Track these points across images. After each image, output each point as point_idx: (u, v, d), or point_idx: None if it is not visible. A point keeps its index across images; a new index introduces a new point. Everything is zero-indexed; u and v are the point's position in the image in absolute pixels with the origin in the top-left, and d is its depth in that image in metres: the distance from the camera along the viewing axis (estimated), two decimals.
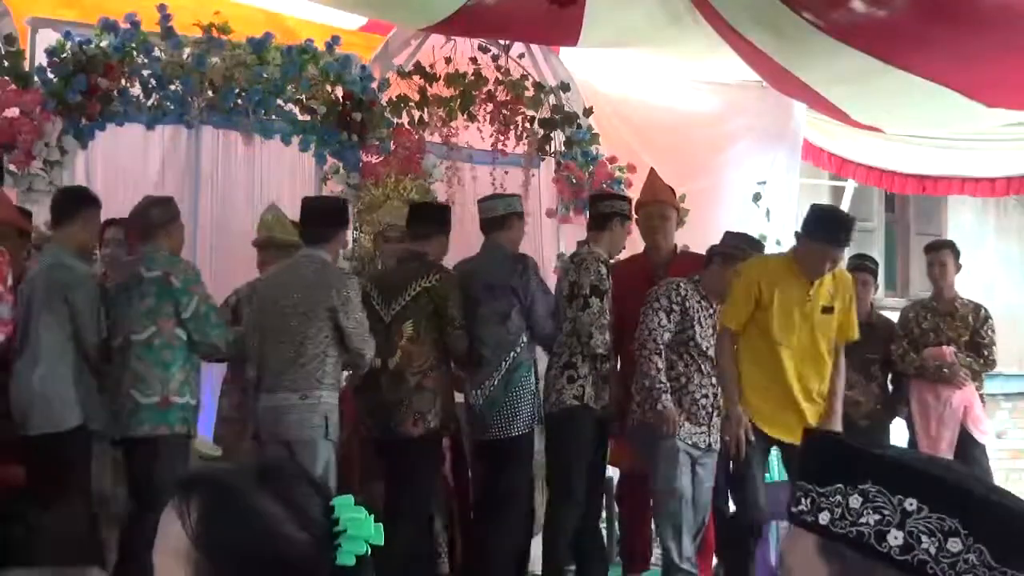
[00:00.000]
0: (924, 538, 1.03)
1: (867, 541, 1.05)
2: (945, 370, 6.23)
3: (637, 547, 5.86)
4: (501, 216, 5.48)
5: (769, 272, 5.17)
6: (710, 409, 5.31)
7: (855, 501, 1.07)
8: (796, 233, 5.26)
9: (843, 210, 5.85)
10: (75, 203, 5.01)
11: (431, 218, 5.44)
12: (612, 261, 5.65)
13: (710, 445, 5.31)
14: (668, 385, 5.21)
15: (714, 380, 5.32)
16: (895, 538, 1.04)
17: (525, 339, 5.33)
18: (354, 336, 4.92)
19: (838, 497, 1.08)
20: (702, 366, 5.33)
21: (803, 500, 1.11)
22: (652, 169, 6.36)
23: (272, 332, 4.97)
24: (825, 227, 5.04)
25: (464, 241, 5.86)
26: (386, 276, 5.46)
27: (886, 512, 1.05)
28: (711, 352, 5.32)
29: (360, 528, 1.23)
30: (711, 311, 5.38)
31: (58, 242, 4.96)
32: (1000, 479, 7.72)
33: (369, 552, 1.23)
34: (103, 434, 4.91)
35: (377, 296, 5.21)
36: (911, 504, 1.04)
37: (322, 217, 5.12)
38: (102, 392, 4.88)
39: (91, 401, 4.81)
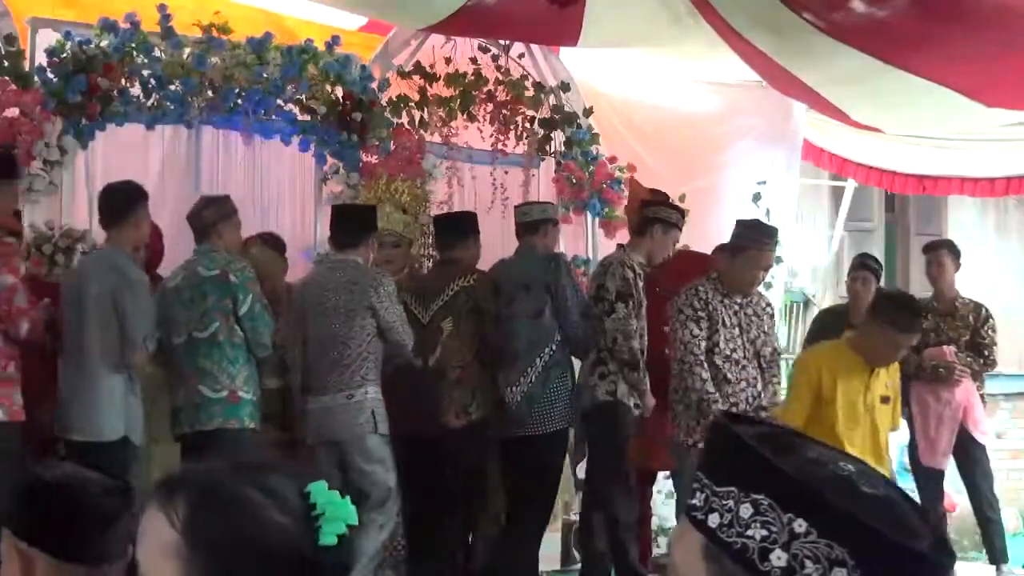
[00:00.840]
0: (808, 563, 0.97)
1: (750, 556, 0.99)
2: (942, 369, 6.23)
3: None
4: (534, 221, 5.68)
5: (829, 360, 4.81)
6: None
7: (745, 510, 1.00)
8: (869, 316, 4.92)
9: (913, 297, 5.55)
10: (126, 201, 4.90)
11: (454, 228, 5.65)
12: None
13: None
14: (718, 394, 5.06)
15: (743, 385, 5.17)
16: (778, 558, 0.98)
17: (559, 337, 5.42)
18: (394, 330, 5.09)
19: (730, 502, 1.01)
20: (727, 374, 5.16)
21: (698, 494, 1.05)
22: (631, 177, 6.46)
23: (315, 336, 5.11)
24: (900, 313, 4.69)
25: None
26: (421, 282, 5.68)
27: (774, 529, 0.99)
28: (737, 355, 5.16)
29: (337, 509, 1.27)
30: (735, 309, 5.25)
31: (112, 243, 4.93)
32: (1000, 479, 7.72)
33: (347, 533, 1.28)
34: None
35: (413, 301, 5.40)
36: (800, 525, 0.98)
37: (351, 223, 5.30)
38: (174, 389, 4.94)
39: (134, 413, 4.79)
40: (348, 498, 1.30)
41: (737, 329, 5.19)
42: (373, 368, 5.09)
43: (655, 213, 5.74)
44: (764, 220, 5.89)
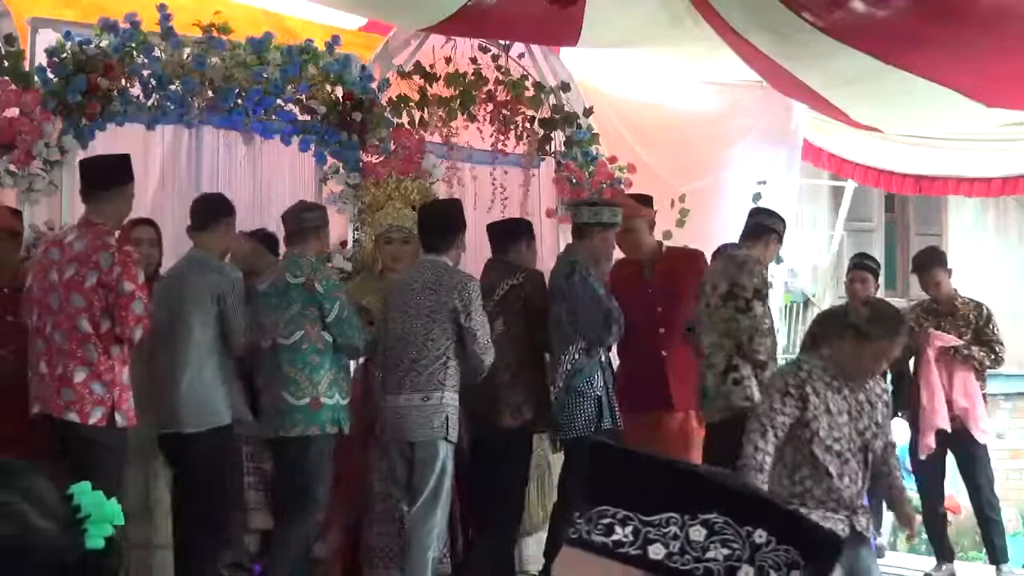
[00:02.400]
0: (772, 572, 0.98)
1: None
2: (952, 351, 6.26)
3: None
4: (582, 224, 5.63)
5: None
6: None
7: (697, 533, 0.99)
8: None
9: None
10: (216, 212, 5.16)
11: (508, 233, 5.73)
12: None
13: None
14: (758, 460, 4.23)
15: (846, 482, 4.25)
16: (746, 574, 0.98)
17: (583, 344, 5.37)
18: (477, 336, 5.07)
19: (673, 528, 0.99)
20: (829, 467, 4.25)
21: (619, 529, 1.01)
22: (613, 190, 6.49)
23: (396, 334, 5.15)
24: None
25: (466, 243, 5.86)
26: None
27: (736, 546, 0.98)
28: (840, 447, 4.25)
29: (103, 511, 1.24)
30: (844, 394, 4.25)
31: (201, 247, 5.08)
32: (1000, 479, 7.72)
33: (115, 534, 1.24)
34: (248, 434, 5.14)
35: None
36: (760, 536, 0.98)
37: (439, 223, 5.32)
38: (253, 393, 5.05)
39: (237, 401, 4.98)
40: (113, 499, 1.26)
41: (845, 416, 4.30)
42: (453, 374, 5.09)
43: (763, 223, 5.72)
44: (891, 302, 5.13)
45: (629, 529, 1.01)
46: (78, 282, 4.58)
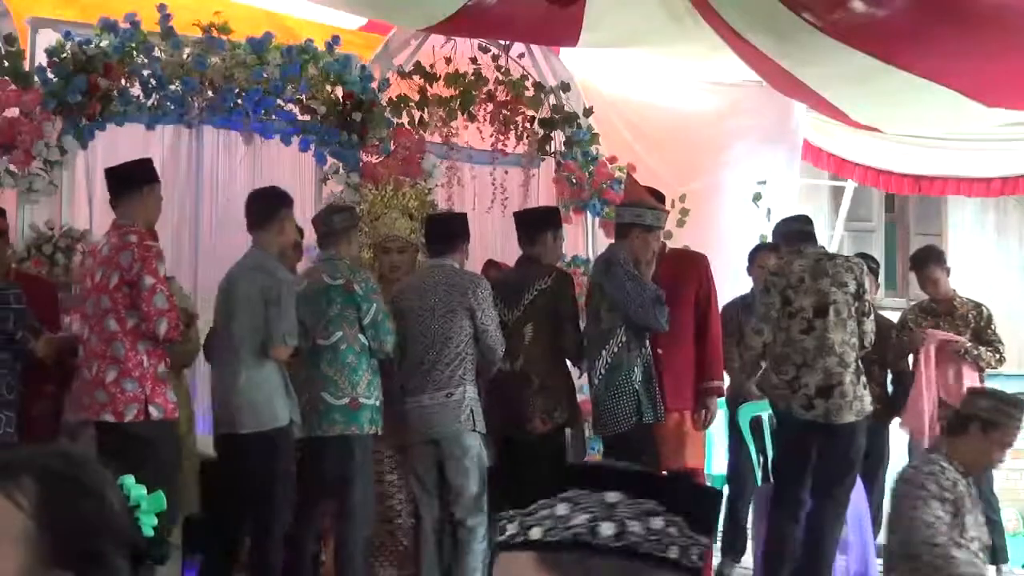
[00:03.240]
0: (630, 523, 1.13)
1: (582, 539, 1.13)
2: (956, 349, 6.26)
3: None
4: (622, 224, 5.58)
5: None
6: None
7: (562, 509, 1.15)
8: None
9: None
10: (270, 207, 5.10)
11: (533, 224, 5.71)
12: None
13: None
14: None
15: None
16: (607, 529, 1.13)
17: (624, 338, 5.33)
18: (489, 333, 5.24)
19: (543, 511, 1.15)
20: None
21: (509, 526, 1.18)
22: (628, 174, 6.42)
23: (415, 336, 5.25)
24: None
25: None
26: (505, 281, 5.71)
27: (593, 509, 1.14)
28: (982, 542, 4.24)
29: (149, 502, 1.31)
30: (972, 490, 4.26)
31: (258, 245, 5.07)
32: (1000, 479, 7.71)
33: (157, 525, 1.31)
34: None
35: (499, 302, 5.46)
36: (613, 496, 1.14)
37: (443, 232, 5.45)
38: (300, 393, 5.06)
39: (291, 402, 4.99)
40: (159, 491, 1.33)
41: (978, 510, 4.32)
42: (471, 368, 5.25)
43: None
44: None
45: (515, 524, 1.18)
46: (104, 284, 4.66)
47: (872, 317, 5.47)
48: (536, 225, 5.72)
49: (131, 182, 4.80)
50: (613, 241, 5.71)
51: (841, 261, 5.57)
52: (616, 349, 5.32)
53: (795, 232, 5.65)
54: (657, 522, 1.13)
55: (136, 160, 4.99)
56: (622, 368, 5.32)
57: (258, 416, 4.87)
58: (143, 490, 1.31)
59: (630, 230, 5.48)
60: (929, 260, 6.61)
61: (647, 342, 5.39)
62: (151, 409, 4.62)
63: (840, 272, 5.43)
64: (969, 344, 6.29)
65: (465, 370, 5.23)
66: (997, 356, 6.35)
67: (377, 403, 5.09)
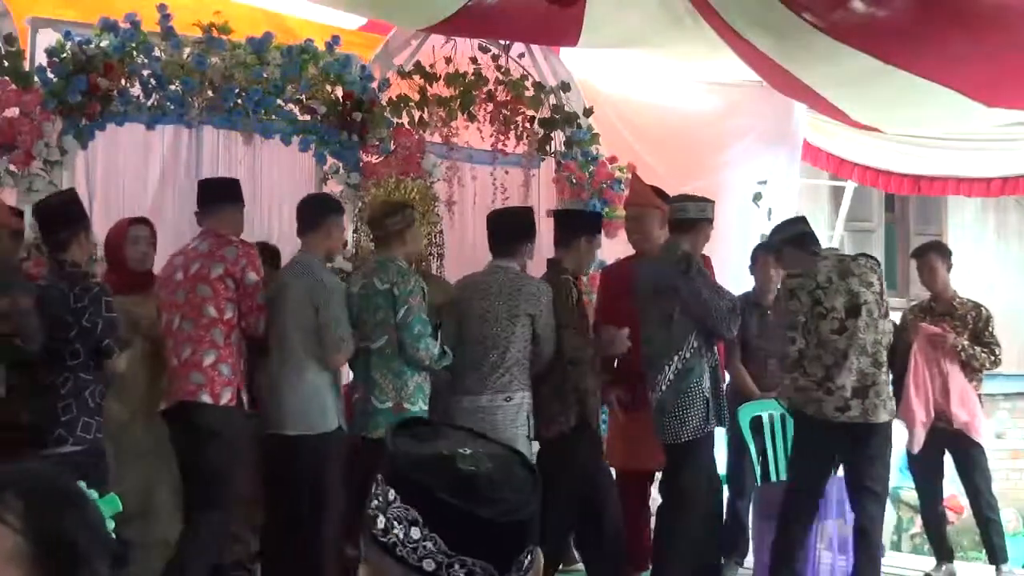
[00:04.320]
0: (396, 524, 1.19)
1: (367, 526, 1.22)
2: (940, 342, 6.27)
3: (635, 547, 5.85)
4: (690, 219, 5.50)
5: None
6: None
7: (380, 495, 1.22)
8: None
9: None
10: (319, 212, 5.22)
11: (567, 224, 5.63)
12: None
13: None
14: None
15: None
16: (380, 521, 1.20)
17: (695, 343, 5.27)
18: (545, 335, 5.27)
19: (376, 500, 1.23)
20: None
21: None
22: (634, 173, 6.40)
23: (476, 338, 5.27)
24: None
25: (466, 243, 5.86)
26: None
27: (379, 500, 1.21)
28: None
29: (105, 504, 1.36)
30: None
31: (306, 249, 5.17)
32: (1000, 479, 7.72)
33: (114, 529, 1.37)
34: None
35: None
36: (391, 494, 1.19)
37: (510, 231, 5.43)
38: (352, 394, 5.16)
39: (340, 404, 5.09)
40: (112, 494, 1.41)
41: None
42: (527, 371, 5.28)
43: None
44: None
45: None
46: (204, 274, 4.88)
47: (889, 317, 5.47)
48: (564, 227, 5.62)
49: (228, 196, 5.10)
50: (671, 238, 5.46)
51: (864, 261, 5.54)
52: (688, 355, 5.24)
53: (802, 234, 5.61)
54: (416, 532, 1.17)
55: (231, 179, 5.37)
56: (693, 374, 5.24)
57: (307, 419, 4.95)
58: (96, 493, 1.34)
59: (695, 225, 5.42)
60: (931, 250, 6.61)
61: (716, 348, 5.36)
62: (243, 396, 4.88)
63: (866, 272, 5.42)
64: (966, 343, 6.28)
65: (524, 375, 5.26)
66: (992, 358, 6.34)
67: (420, 410, 5.11)
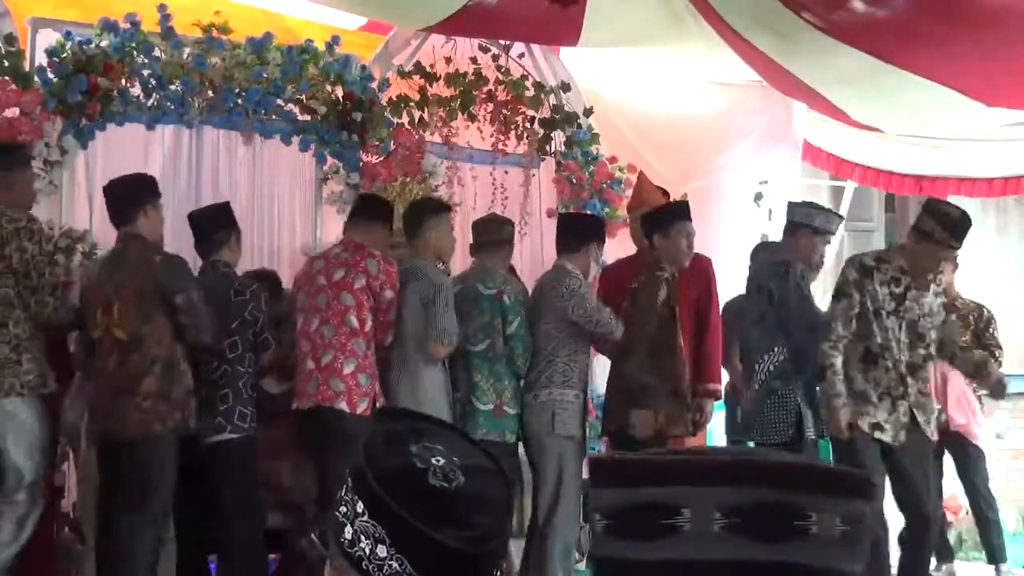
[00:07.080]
0: (363, 538, 1.17)
1: (336, 532, 1.20)
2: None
3: None
4: (792, 222, 5.58)
5: None
6: None
7: (348, 502, 1.20)
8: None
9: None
10: (420, 216, 5.41)
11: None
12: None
13: None
14: None
15: None
16: (348, 532, 1.18)
17: (786, 349, 5.26)
18: (597, 322, 5.31)
19: (344, 507, 1.21)
20: None
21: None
22: (640, 172, 6.39)
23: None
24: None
25: (467, 243, 5.85)
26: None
27: (347, 509, 1.20)
28: None
29: None
30: None
31: (415, 251, 5.36)
32: (1000, 479, 7.72)
33: None
34: None
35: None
36: (360, 506, 1.18)
37: (571, 231, 5.58)
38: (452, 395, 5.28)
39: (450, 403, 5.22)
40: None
41: None
42: (558, 371, 5.34)
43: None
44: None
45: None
46: (348, 283, 5.04)
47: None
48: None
49: (377, 213, 5.32)
50: (774, 240, 5.53)
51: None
52: (781, 358, 5.25)
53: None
54: (382, 550, 1.16)
55: (383, 198, 5.68)
56: (783, 378, 5.23)
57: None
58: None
59: (797, 230, 5.40)
60: None
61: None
62: (378, 406, 4.94)
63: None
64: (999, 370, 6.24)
65: (554, 372, 5.29)
66: (993, 360, 6.32)
67: (516, 413, 5.26)
